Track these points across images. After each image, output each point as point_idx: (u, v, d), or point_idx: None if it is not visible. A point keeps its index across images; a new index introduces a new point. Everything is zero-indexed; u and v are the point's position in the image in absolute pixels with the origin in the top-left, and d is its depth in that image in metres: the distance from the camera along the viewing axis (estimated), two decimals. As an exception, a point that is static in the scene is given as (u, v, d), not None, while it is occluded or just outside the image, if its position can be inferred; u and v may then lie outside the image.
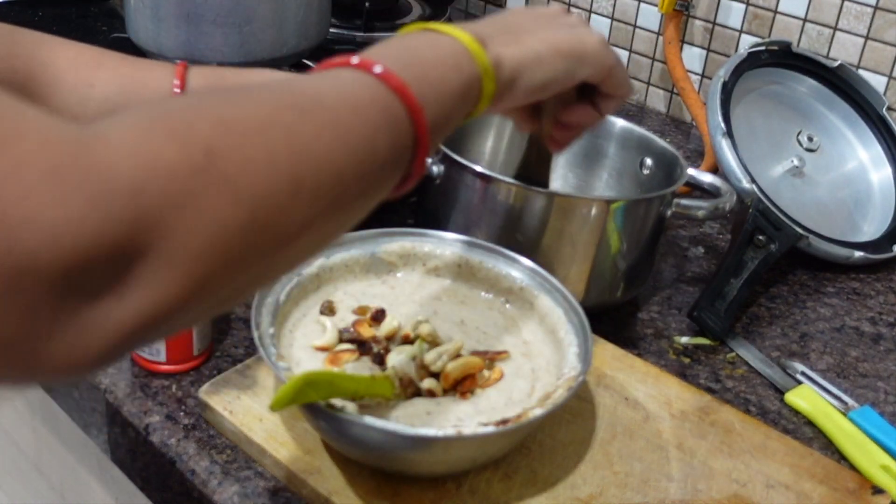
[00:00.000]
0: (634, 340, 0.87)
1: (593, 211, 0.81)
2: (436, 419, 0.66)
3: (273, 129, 0.42)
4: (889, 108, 1.10)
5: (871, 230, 1.04)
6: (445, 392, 0.68)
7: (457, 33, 0.57)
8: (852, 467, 0.75)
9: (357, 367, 0.68)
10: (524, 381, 0.70)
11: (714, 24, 1.23)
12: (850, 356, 0.88)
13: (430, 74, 0.53)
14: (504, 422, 0.62)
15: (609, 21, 1.33)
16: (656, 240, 0.88)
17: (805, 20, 1.16)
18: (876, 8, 1.10)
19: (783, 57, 1.09)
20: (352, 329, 0.72)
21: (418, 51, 0.54)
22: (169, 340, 0.75)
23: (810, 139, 1.07)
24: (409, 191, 0.55)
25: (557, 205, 0.81)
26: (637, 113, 1.31)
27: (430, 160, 0.86)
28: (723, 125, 0.99)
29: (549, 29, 0.64)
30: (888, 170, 1.08)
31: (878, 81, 1.12)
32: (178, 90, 0.73)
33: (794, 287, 0.97)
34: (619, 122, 0.96)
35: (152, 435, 0.72)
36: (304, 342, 0.71)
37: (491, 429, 0.62)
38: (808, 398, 0.81)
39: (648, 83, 1.32)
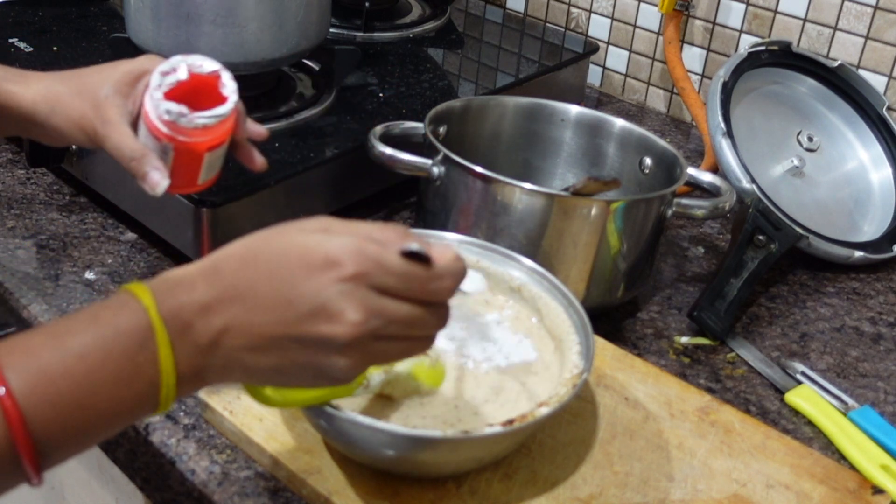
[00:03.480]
0: (634, 340, 0.87)
1: (593, 211, 0.81)
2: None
3: None
4: (889, 108, 1.10)
5: (871, 230, 1.04)
6: None
7: (166, 370, 0.51)
8: (852, 467, 0.75)
9: None
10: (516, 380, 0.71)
11: (714, 24, 1.23)
12: (850, 356, 0.88)
13: (71, 393, 0.49)
14: (510, 422, 0.62)
15: (609, 21, 1.33)
16: (656, 240, 0.88)
17: (805, 20, 1.16)
18: (876, 8, 1.10)
19: (783, 57, 1.09)
20: None
21: (85, 367, 0.50)
22: (175, 164, 0.73)
23: (810, 139, 1.07)
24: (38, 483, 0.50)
25: (558, 205, 0.81)
26: (637, 113, 1.31)
27: (430, 162, 0.86)
28: (723, 125, 0.99)
29: (299, 375, 0.54)
30: (888, 170, 1.08)
31: (878, 81, 1.12)
32: None
33: (794, 287, 0.97)
34: (619, 122, 0.96)
35: (152, 435, 0.72)
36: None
37: (497, 429, 0.62)
38: (808, 398, 0.81)
39: (648, 83, 1.32)
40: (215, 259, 0.54)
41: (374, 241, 0.53)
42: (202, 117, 0.70)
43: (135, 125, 0.74)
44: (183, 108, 0.69)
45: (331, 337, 0.51)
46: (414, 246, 0.53)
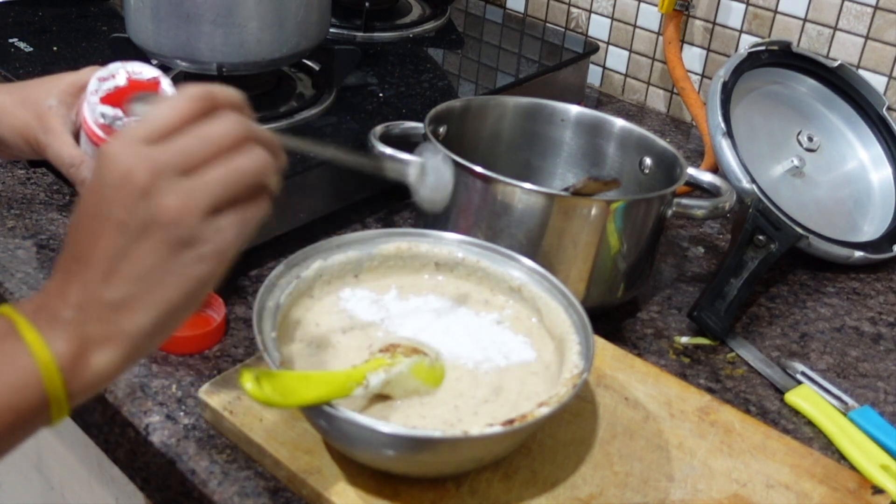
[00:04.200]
0: (634, 340, 0.87)
1: (594, 211, 0.81)
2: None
3: None
4: (889, 108, 1.10)
5: (871, 230, 1.04)
6: None
7: (39, 351, 0.50)
8: (852, 467, 0.75)
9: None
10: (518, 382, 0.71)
11: (714, 24, 1.23)
12: (850, 356, 0.88)
13: None
14: (510, 422, 0.62)
15: (609, 21, 1.33)
16: (656, 240, 0.88)
17: (805, 20, 1.16)
18: (876, 8, 1.10)
19: (783, 57, 1.09)
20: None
21: None
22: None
23: (810, 139, 1.07)
24: None
25: (558, 205, 0.81)
26: (637, 113, 1.31)
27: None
28: (723, 125, 0.99)
29: (169, 284, 0.51)
30: (888, 170, 1.08)
31: (878, 81, 1.12)
32: None
33: (794, 287, 0.97)
34: (619, 122, 0.96)
35: (152, 435, 0.72)
36: (303, 343, 0.72)
37: (497, 429, 0.62)
38: (808, 398, 0.81)
39: (648, 83, 1.32)
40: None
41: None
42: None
43: (77, 135, 0.74)
44: (118, 112, 0.69)
45: (132, 188, 0.49)
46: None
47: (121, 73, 0.71)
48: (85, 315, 0.51)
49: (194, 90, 0.53)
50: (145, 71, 0.72)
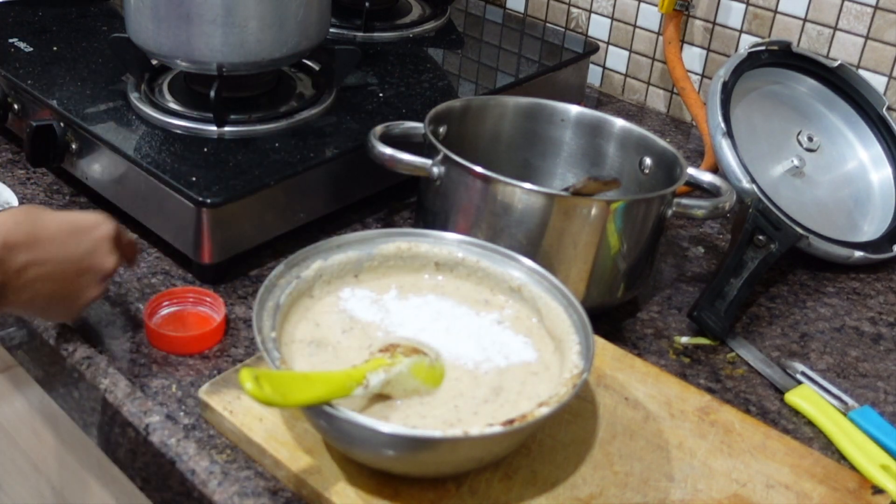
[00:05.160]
0: (634, 340, 0.87)
1: (593, 211, 0.81)
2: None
3: None
4: (889, 108, 1.10)
5: (871, 230, 1.04)
6: None
7: None
8: (852, 467, 0.75)
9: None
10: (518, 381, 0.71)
11: (714, 24, 1.23)
12: (850, 356, 0.88)
13: None
14: (510, 422, 0.62)
15: (609, 21, 1.33)
16: (656, 240, 0.88)
17: (805, 20, 1.16)
18: (876, 8, 1.10)
19: (783, 57, 1.09)
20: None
21: None
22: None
23: (810, 139, 1.07)
24: None
25: (558, 205, 0.81)
26: (637, 113, 1.31)
27: (430, 162, 0.86)
28: (723, 125, 0.99)
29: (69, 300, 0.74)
30: (888, 170, 1.08)
31: (878, 81, 1.12)
32: None
33: (794, 287, 0.97)
34: (619, 122, 0.96)
35: (152, 435, 0.72)
36: (303, 343, 0.72)
37: (497, 429, 0.62)
38: (808, 398, 0.81)
39: (648, 83, 1.32)
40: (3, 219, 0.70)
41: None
42: None
43: None
44: None
45: (99, 268, 0.74)
46: None
47: None
48: (20, 277, 0.69)
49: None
50: None
